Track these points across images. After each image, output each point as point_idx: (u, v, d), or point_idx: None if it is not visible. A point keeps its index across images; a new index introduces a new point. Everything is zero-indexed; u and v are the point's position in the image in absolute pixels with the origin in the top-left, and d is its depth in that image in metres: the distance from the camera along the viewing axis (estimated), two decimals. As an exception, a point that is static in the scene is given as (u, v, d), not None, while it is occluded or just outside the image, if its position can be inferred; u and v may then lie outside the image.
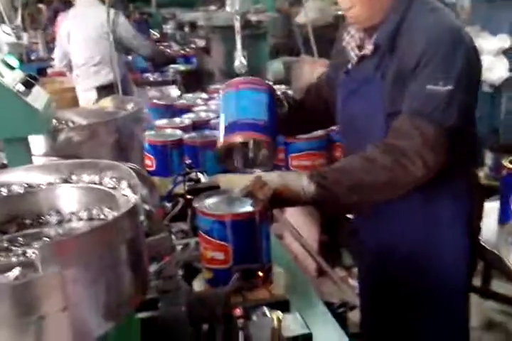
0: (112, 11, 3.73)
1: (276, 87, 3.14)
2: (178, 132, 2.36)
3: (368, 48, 1.61)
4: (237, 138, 1.55)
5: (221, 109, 1.70)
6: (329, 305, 2.24)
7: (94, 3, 3.89)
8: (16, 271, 0.75)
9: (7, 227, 1.07)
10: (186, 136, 2.33)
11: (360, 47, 1.65)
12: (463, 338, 1.78)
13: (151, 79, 4.22)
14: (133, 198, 0.95)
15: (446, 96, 1.46)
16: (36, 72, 4.98)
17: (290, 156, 2.42)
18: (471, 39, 1.55)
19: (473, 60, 1.53)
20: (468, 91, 1.51)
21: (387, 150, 1.46)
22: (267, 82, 1.82)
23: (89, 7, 3.93)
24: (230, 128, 1.58)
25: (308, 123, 1.92)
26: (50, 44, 5.80)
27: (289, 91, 2.74)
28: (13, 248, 0.99)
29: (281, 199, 1.41)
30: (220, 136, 1.61)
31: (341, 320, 2.16)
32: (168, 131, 2.41)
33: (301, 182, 1.42)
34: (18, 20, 6.03)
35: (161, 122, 2.54)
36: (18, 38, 5.83)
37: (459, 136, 1.49)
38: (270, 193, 1.38)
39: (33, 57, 5.79)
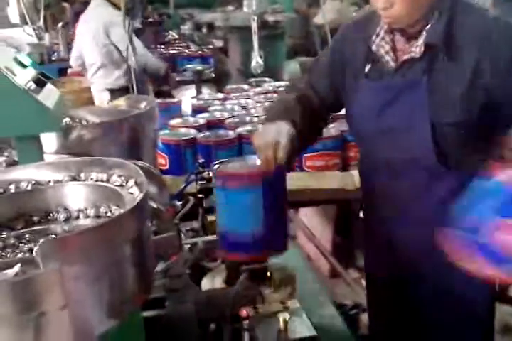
0: (108, 20, 3.69)
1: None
2: (192, 131, 2.37)
3: (415, 51, 1.48)
4: (230, 259, 1.38)
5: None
6: (341, 307, 2.24)
7: (100, 3, 3.84)
8: (16, 268, 0.75)
9: (15, 224, 1.07)
10: (200, 135, 2.33)
11: (394, 51, 1.54)
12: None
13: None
14: (139, 196, 0.94)
15: None
16: (57, 72, 5.03)
17: (304, 156, 2.40)
18: None
19: None
20: None
21: None
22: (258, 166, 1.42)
23: (93, 9, 3.89)
24: (222, 242, 1.38)
25: (308, 137, 1.74)
26: (70, 44, 5.85)
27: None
28: (20, 244, 1.00)
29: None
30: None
31: (353, 322, 2.15)
32: (183, 130, 2.41)
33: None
34: (40, 21, 6.09)
35: (175, 121, 2.54)
36: (40, 38, 5.89)
37: None
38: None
39: (54, 58, 5.83)
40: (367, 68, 1.59)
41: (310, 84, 1.75)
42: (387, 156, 1.58)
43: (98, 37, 3.76)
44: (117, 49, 3.69)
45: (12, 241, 1.01)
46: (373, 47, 1.56)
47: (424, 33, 1.48)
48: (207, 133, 2.38)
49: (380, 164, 1.61)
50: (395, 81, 1.55)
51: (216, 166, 1.40)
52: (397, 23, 1.49)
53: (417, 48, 1.48)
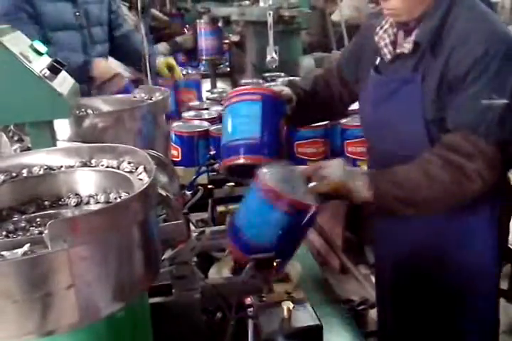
0: None
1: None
2: (205, 123, 2.38)
3: (406, 47, 1.51)
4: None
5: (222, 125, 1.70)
6: (349, 303, 2.23)
7: None
8: (25, 248, 0.76)
9: (26, 208, 1.09)
10: (213, 127, 2.34)
11: (394, 44, 1.57)
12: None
13: (183, 72, 4.25)
14: (148, 181, 0.95)
15: (501, 111, 1.39)
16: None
17: (296, 144, 2.41)
18: None
19: None
20: None
21: (447, 166, 1.42)
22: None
23: None
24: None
25: (317, 114, 1.91)
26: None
27: (297, 79, 2.71)
28: (31, 228, 1.01)
29: (335, 195, 1.41)
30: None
31: (360, 318, 2.15)
32: (196, 122, 2.42)
33: (360, 185, 1.41)
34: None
35: (188, 114, 2.56)
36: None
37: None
38: (327, 188, 1.38)
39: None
40: (377, 60, 1.61)
41: (337, 66, 1.86)
42: (386, 148, 1.60)
43: None
44: None
45: (23, 224, 1.02)
46: (376, 38, 1.60)
47: (416, 30, 1.50)
48: (219, 125, 2.39)
49: (381, 156, 1.63)
50: (390, 75, 1.58)
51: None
52: (397, 16, 1.52)
53: (408, 44, 1.51)
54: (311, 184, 1.39)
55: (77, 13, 2.72)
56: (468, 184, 1.42)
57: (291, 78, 3.15)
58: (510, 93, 1.40)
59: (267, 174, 1.36)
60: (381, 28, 1.60)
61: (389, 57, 1.58)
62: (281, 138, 1.59)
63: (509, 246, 1.96)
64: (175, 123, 2.35)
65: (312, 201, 1.32)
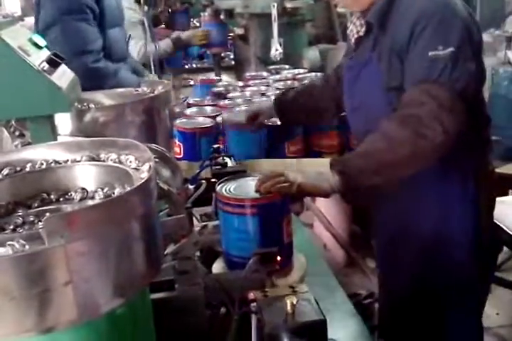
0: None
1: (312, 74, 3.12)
2: (209, 120, 2.36)
3: (361, 30, 1.63)
4: None
5: None
6: (355, 296, 2.22)
7: None
8: (16, 245, 0.75)
9: (31, 202, 1.08)
10: (218, 118, 2.34)
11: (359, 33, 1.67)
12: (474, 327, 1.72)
13: (187, 66, 4.25)
14: (146, 175, 0.94)
15: (449, 59, 1.42)
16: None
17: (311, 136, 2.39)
18: (469, 12, 1.52)
19: (472, 30, 1.49)
20: (472, 58, 1.46)
21: (403, 121, 1.41)
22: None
23: None
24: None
25: (311, 111, 2.01)
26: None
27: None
28: (39, 222, 1.00)
29: (306, 193, 1.43)
30: None
31: (366, 311, 2.14)
32: (200, 119, 2.40)
33: (325, 175, 1.39)
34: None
35: (191, 110, 2.53)
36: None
37: (469, 104, 1.44)
38: (294, 190, 1.36)
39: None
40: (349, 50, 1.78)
41: (338, 64, 2.00)
42: (363, 132, 1.62)
43: None
44: None
45: (31, 218, 1.01)
46: (347, 31, 1.74)
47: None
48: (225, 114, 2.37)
49: (361, 139, 1.62)
50: (356, 59, 1.69)
51: None
52: (348, 6, 1.74)
53: (362, 27, 1.62)
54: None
55: (119, 8, 2.87)
56: (428, 132, 1.38)
57: (296, 74, 3.13)
58: (456, 42, 1.43)
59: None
60: (351, 22, 1.71)
61: (354, 43, 1.69)
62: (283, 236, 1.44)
63: (495, 221, 1.85)
64: (178, 120, 2.33)
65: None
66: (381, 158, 1.40)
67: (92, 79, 2.66)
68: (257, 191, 1.36)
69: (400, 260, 1.71)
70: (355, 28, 1.67)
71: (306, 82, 2.44)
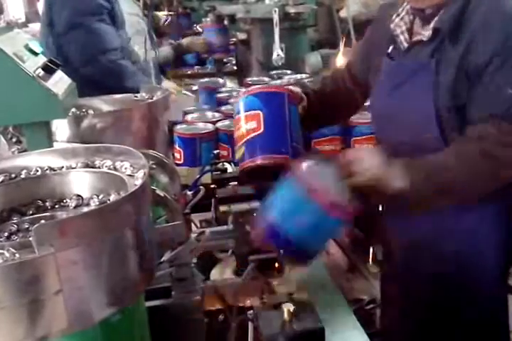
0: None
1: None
2: (209, 125, 2.34)
3: (425, 34, 1.48)
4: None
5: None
6: (358, 302, 2.20)
7: None
8: (6, 253, 0.74)
9: (26, 209, 1.07)
10: (219, 124, 2.32)
11: (410, 32, 1.55)
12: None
13: (189, 72, 4.24)
14: (139, 183, 0.93)
15: None
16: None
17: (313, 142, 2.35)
18: None
19: None
20: None
21: (483, 155, 1.39)
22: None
23: None
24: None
25: (327, 116, 1.85)
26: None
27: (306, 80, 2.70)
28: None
29: (368, 190, 1.35)
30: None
31: (368, 317, 2.11)
32: (200, 124, 2.38)
33: (396, 174, 1.36)
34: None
35: (192, 116, 2.52)
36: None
37: None
38: (367, 182, 1.33)
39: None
40: (390, 48, 1.60)
41: (347, 64, 1.84)
42: (396, 139, 1.56)
43: None
44: None
45: (26, 225, 1.00)
46: (391, 26, 1.56)
47: (436, 17, 1.46)
48: (227, 122, 2.35)
49: (390, 148, 1.58)
50: (405, 62, 1.55)
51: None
52: (418, 0, 1.48)
53: (427, 32, 1.48)
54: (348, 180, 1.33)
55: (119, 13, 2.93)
56: (503, 171, 1.41)
57: (299, 78, 3.11)
58: None
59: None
60: (397, 15, 1.57)
61: (405, 44, 1.56)
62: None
63: None
64: (178, 126, 2.31)
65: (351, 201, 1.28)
66: (455, 179, 1.41)
67: (117, 77, 2.74)
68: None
69: (421, 269, 1.67)
70: (404, 25, 1.55)
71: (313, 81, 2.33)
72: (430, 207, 1.49)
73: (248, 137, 1.51)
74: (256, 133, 1.50)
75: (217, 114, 2.53)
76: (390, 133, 1.62)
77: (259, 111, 1.52)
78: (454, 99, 1.44)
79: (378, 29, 1.68)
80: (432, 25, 1.47)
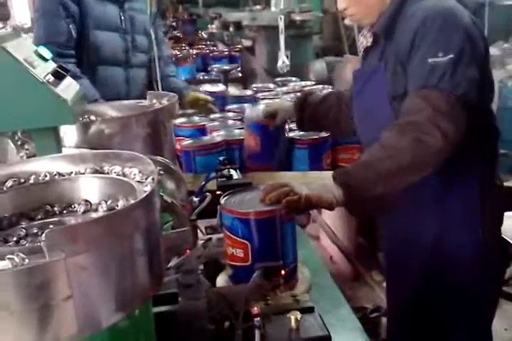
0: None
1: (319, 86, 3.12)
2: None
3: (369, 40, 1.67)
4: None
5: None
6: (362, 310, 2.20)
7: None
8: (15, 258, 0.74)
9: (35, 214, 1.07)
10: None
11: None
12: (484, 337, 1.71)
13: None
14: (149, 189, 0.93)
15: (449, 65, 1.41)
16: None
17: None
18: (473, 20, 1.50)
19: (474, 36, 1.48)
20: (473, 65, 1.44)
21: (402, 130, 1.41)
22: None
23: None
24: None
25: (327, 124, 2.03)
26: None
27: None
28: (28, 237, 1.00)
29: (312, 205, 1.37)
30: None
31: (373, 325, 2.11)
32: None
33: (328, 187, 1.37)
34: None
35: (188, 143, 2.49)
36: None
37: (473, 113, 1.42)
38: (302, 202, 1.33)
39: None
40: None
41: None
42: (368, 139, 1.64)
43: None
44: None
45: (35, 230, 1.00)
46: (358, 43, 1.79)
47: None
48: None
49: (368, 147, 1.61)
50: (364, 70, 1.73)
51: None
52: (358, 21, 1.70)
53: (370, 38, 1.67)
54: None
55: (123, 17, 2.77)
56: (427, 138, 1.36)
57: (303, 85, 3.13)
58: (456, 50, 1.43)
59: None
60: (362, 34, 1.74)
61: (362, 53, 1.74)
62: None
63: (503, 236, 1.77)
64: (184, 142, 2.29)
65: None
66: (382, 167, 1.38)
67: None
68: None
69: (406, 273, 1.70)
70: (365, 40, 1.71)
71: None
72: (395, 198, 1.49)
73: (235, 263, 1.37)
74: (243, 264, 1.35)
75: (217, 138, 2.52)
76: (363, 133, 1.75)
77: (246, 242, 1.34)
78: (398, 88, 1.53)
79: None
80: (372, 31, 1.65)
